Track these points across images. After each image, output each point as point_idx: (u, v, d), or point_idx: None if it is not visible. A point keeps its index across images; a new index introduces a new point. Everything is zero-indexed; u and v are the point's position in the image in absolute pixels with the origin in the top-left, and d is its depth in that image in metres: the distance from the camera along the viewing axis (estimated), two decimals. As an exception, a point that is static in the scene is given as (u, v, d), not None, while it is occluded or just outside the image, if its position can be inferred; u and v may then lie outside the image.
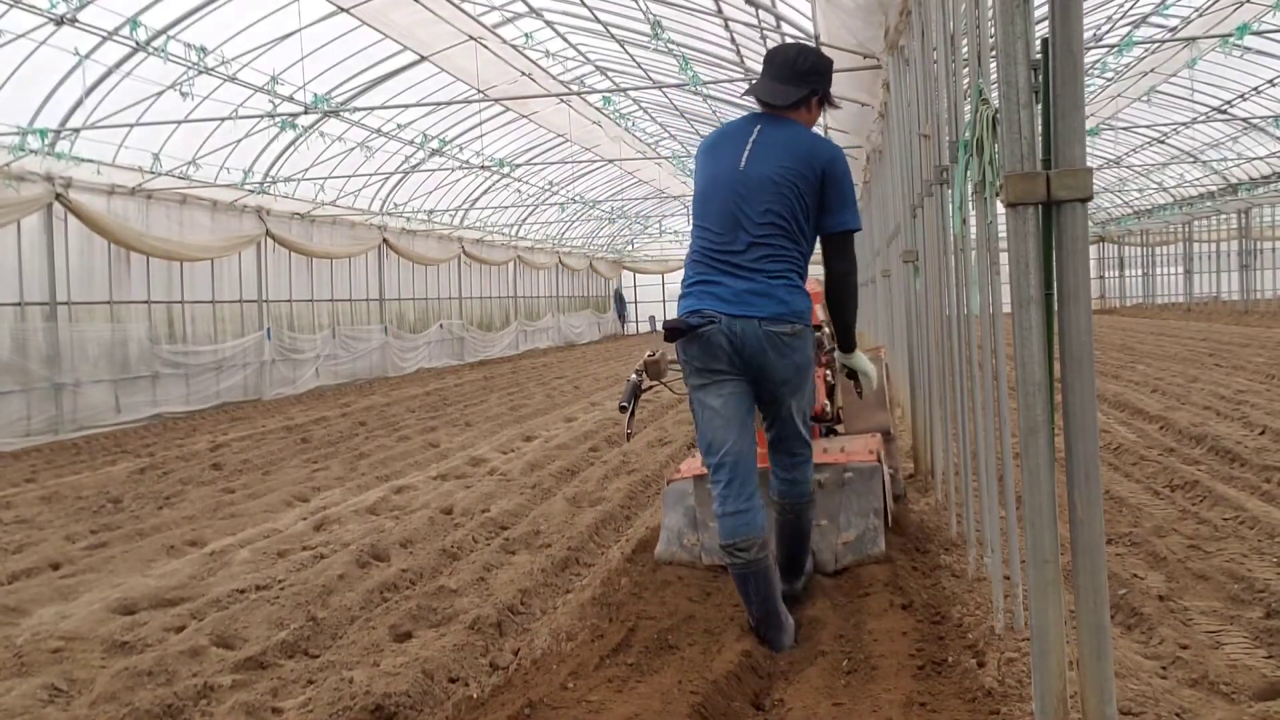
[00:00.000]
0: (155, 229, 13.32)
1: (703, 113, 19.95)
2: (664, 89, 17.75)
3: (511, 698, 3.08)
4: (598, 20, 13.81)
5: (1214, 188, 25.34)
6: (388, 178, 17.60)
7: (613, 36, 14.75)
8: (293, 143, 14.48)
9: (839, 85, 9.49)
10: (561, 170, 22.99)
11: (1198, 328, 20.45)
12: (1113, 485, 5.64)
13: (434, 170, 18.06)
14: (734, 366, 3.37)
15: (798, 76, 3.50)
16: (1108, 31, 14.64)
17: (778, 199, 3.34)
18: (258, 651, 3.85)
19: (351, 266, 18.75)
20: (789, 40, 12.13)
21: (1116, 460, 6.56)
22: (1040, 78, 2.04)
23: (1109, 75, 16.57)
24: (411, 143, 16.53)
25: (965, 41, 3.37)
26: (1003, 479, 3.09)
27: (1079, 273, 2.00)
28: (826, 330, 4.41)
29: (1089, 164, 1.98)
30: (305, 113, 12.17)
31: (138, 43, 10.43)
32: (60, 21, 9.46)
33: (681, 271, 3.72)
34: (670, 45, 12.66)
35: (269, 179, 14.67)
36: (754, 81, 3.61)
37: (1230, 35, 11.86)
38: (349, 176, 15.90)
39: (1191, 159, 23.34)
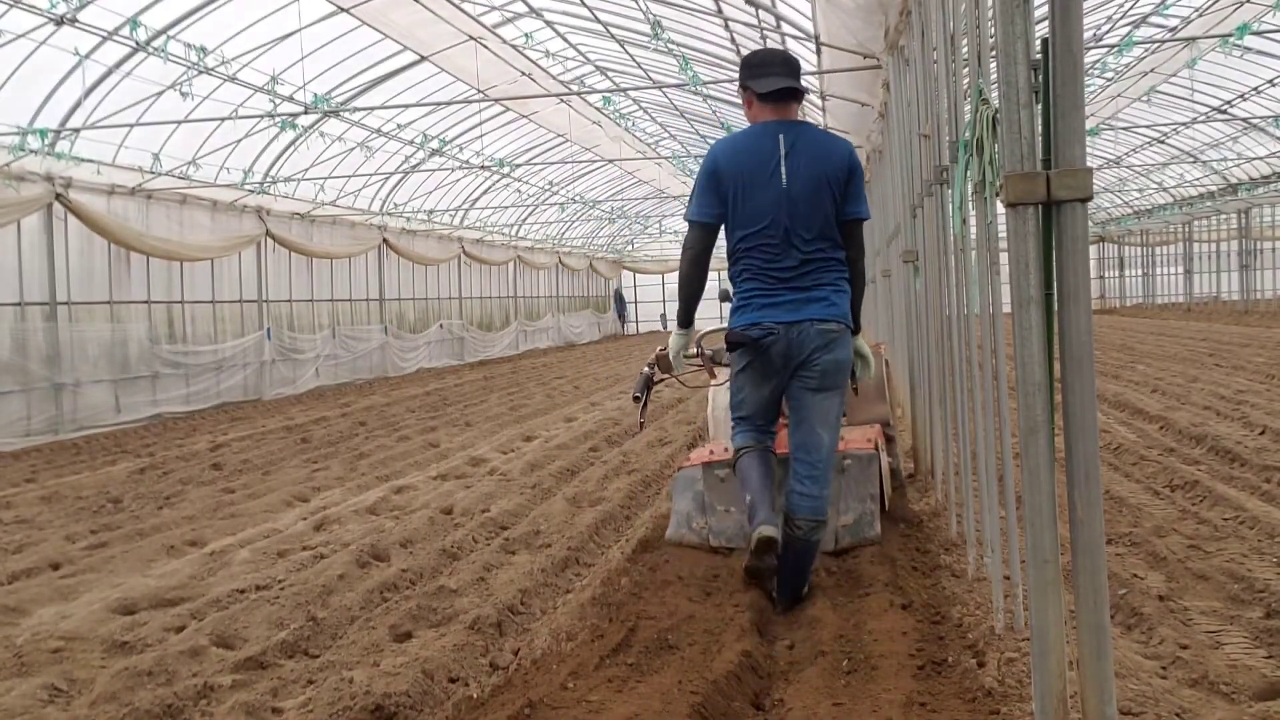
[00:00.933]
0: (155, 229, 13.32)
1: (703, 113, 19.95)
2: (664, 89, 17.75)
3: (511, 698, 3.08)
4: (598, 20, 13.81)
5: (1214, 188, 25.35)
6: (388, 178, 17.60)
7: (613, 36, 14.75)
8: (293, 143, 14.48)
9: (839, 85, 9.46)
10: (561, 170, 22.99)
11: (1198, 328, 20.46)
12: (1113, 485, 5.64)
13: (434, 170, 18.06)
14: (780, 373, 3.73)
15: (796, 73, 3.79)
16: (1108, 31, 14.64)
17: (820, 213, 3.65)
18: (258, 651, 3.85)
19: (351, 266, 18.75)
20: (789, 39, 12.14)
21: (1116, 460, 6.56)
22: (1040, 78, 2.04)
23: (1109, 75, 16.57)
24: (411, 143, 16.53)
25: (965, 41, 3.37)
26: (1003, 479, 3.09)
27: (1079, 273, 2.00)
28: None
29: (1089, 164, 1.98)
30: (305, 113, 12.17)
31: (138, 43, 10.43)
32: (60, 21, 9.46)
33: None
34: (670, 45, 12.66)
35: (269, 179, 14.67)
36: (766, 86, 3.72)
37: (1230, 35, 11.86)
38: (349, 176, 15.90)
39: (1191, 159, 23.35)
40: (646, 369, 4.30)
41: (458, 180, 20.09)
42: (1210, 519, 4.85)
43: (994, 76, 2.18)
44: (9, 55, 10.05)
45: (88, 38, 10.12)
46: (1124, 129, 21.36)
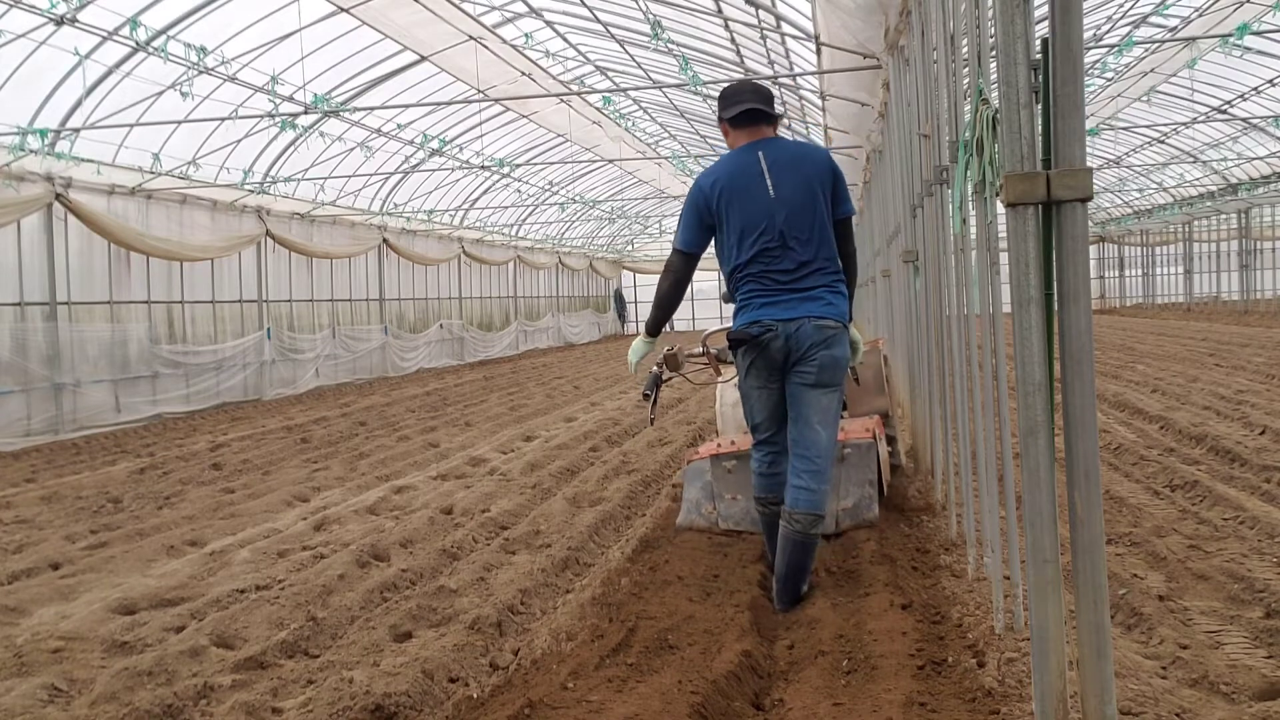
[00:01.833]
0: (155, 229, 13.31)
1: (703, 113, 19.94)
2: (664, 89, 17.76)
3: (511, 698, 3.08)
4: (598, 20, 13.81)
5: (1214, 188, 25.35)
6: (388, 178, 17.60)
7: (613, 36, 14.75)
8: (293, 143, 14.49)
9: (839, 85, 9.45)
10: (561, 170, 22.99)
11: (1198, 328, 20.45)
12: (1113, 485, 5.64)
13: (434, 170, 18.06)
14: (780, 371, 3.89)
15: (767, 99, 4.00)
16: (1108, 31, 14.64)
17: (810, 212, 3.83)
18: (258, 651, 3.85)
19: (351, 266, 18.75)
20: (789, 38, 12.14)
21: (1116, 460, 6.56)
22: (1040, 78, 2.04)
23: (1109, 75, 16.57)
24: (411, 143, 16.53)
25: (965, 41, 3.37)
26: (1003, 479, 3.09)
27: (1079, 273, 2.00)
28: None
29: (1089, 164, 1.98)
30: (305, 113, 12.17)
31: (138, 43, 10.42)
32: (60, 21, 9.46)
33: None
34: (670, 45, 12.67)
35: (269, 179, 14.67)
36: (735, 110, 3.94)
37: (1230, 35, 11.86)
38: (349, 176, 15.90)
39: (1191, 159, 23.35)
40: (655, 368, 4.52)
41: (458, 180, 20.09)
42: (1210, 519, 4.85)
43: (994, 76, 2.18)
44: (9, 55, 10.05)
45: (88, 38, 10.12)
46: (1124, 129, 21.36)
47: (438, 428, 10.86)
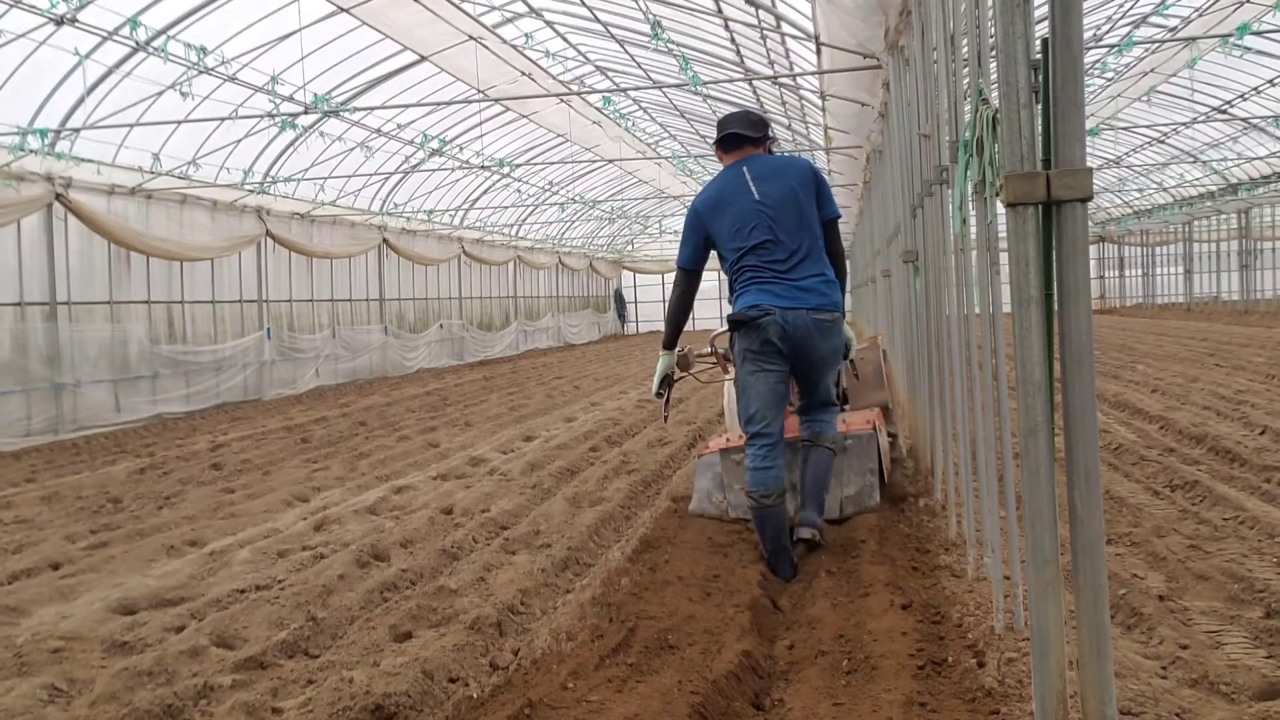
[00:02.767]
0: (155, 229, 13.31)
1: (703, 113, 19.96)
2: (664, 89, 17.76)
3: (511, 698, 3.08)
4: (598, 20, 13.81)
5: (1214, 188, 25.35)
6: (388, 178, 17.60)
7: (613, 36, 14.76)
8: (293, 143, 14.49)
9: (839, 85, 9.47)
10: (561, 170, 22.99)
11: (1198, 328, 20.45)
12: (1113, 485, 5.64)
13: (434, 170, 18.06)
14: (781, 355, 4.23)
15: (755, 125, 4.46)
16: (1108, 31, 14.65)
17: (795, 210, 4.23)
18: (258, 651, 3.85)
19: (351, 266, 18.75)
20: (789, 38, 12.14)
21: (1116, 460, 6.56)
22: (1040, 78, 2.04)
23: (1109, 75, 16.58)
24: (411, 143, 16.53)
25: (965, 41, 3.37)
26: (1003, 479, 3.09)
27: (1079, 273, 2.00)
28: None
29: (1089, 164, 1.98)
30: (305, 113, 12.17)
31: (138, 43, 10.43)
32: (60, 21, 9.46)
33: None
34: (670, 45, 12.67)
35: (269, 179, 14.68)
36: (721, 134, 4.46)
37: (1230, 35, 11.86)
38: (349, 176, 15.90)
39: (1191, 159, 23.35)
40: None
41: (458, 180, 20.10)
42: (1210, 519, 4.85)
43: (994, 76, 2.18)
44: (9, 55, 10.05)
45: (88, 38, 10.12)
46: (1124, 129, 21.37)
47: (438, 428, 10.86)
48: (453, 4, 11.44)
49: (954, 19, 3.69)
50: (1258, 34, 12.94)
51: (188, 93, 10.80)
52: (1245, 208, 25.65)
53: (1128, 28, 14.57)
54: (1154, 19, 14.26)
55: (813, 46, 8.79)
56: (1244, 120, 18.45)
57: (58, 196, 11.48)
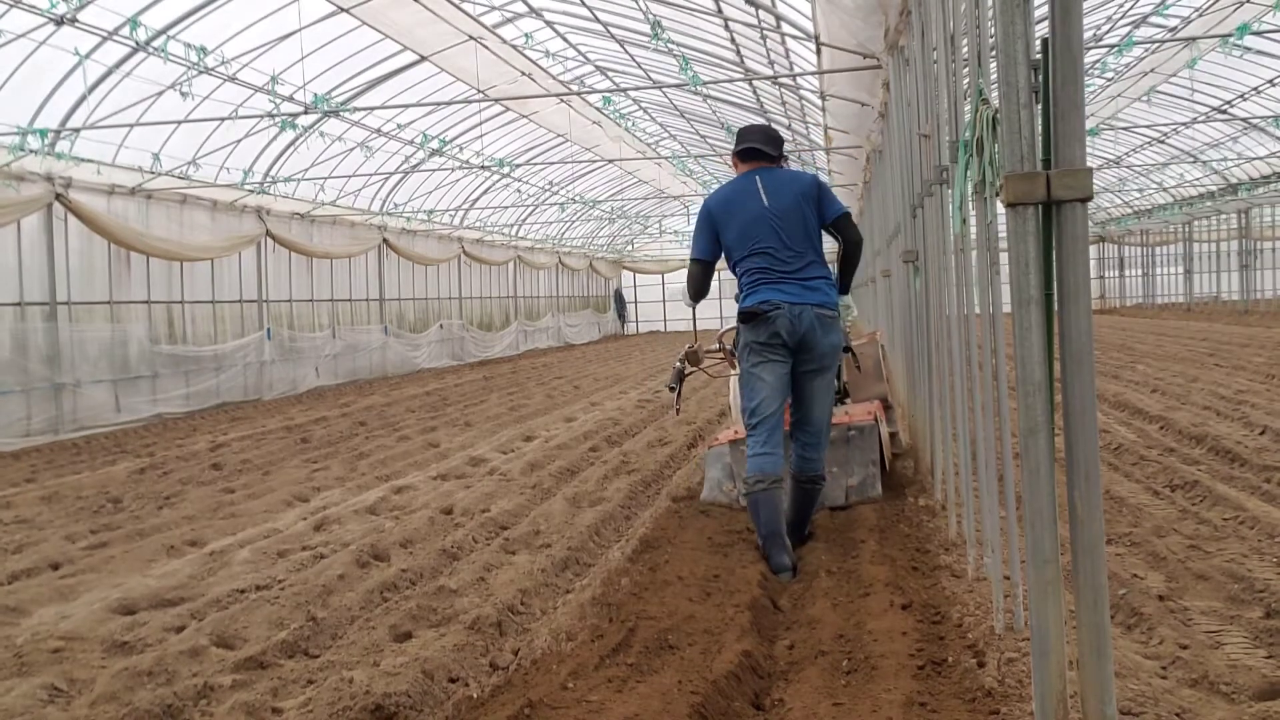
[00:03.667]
0: (155, 229, 13.31)
1: (703, 113, 19.96)
2: (664, 89, 17.75)
3: (511, 698, 3.08)
4: (598, 20, 13.81)
5: (1214, 188, 25.35)
6: (388, 178, 17.60)
7: (613, 36, 14.76)
8: (293, 143, 14.49)
9: (839, 85, 9.47)
10: (561, 170, 22.99)
11: (1198, 328, 20.45)
12: (1113, 485, 5.64)
13: (434, 170, 18.06)
14: (785, 348, 4.54)
15: (773, 142, 4.84)
16: (1108, 31, 14.65)
17: (801, 220, 4.60)
18: (258, 651, 3.85)
19: (351, 266, 18.75)
20: (789, 38, 12.14)
21: (1116, 460, 6.56)
22: (1040, 78, 2.04)
23: (1109, 75, 16.58)
24: (411, 143, 16.53)
25: (965, 41, 3.37)
26: (1003, 479, 3.09)
27: (1079, 273, 2.00)
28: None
29: (1089, 164, 1.98)
30: (305, 113, 12.17)
31: (138, 43, 10.43)
32: (60, 21, 9.46)
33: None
34: (670, 45, 12.67)
35: (269, 179, 14.67)
36: (741, 146, 4.85)
37: (1230, 35, 11.86)
38: (349, 176, 15.90)
39: (1191, 159, 23.35)
40: (679, 364, 5.25)
41: (458, 180, 20.10)
42: (1210, 519, 4.85)
43: (994, 76, 2.18)
44: (9, 55, 10.05)
45: (88, 38, 10.12)
46: (1124, 129, 21.37)
47: (438, 428, 10.86)
48: (453, 4, 11.44)
49: (954, 19, 3.69)
50: (1258, 34, 12.94)
51: (188, 93, 10.80)
52: (1245, 208, 25.64)
53: (1128, 28, 14.58)
54: (1154, 19, 14.26)
55: (813, 46, 8.79)
56: (1244, 120, 18.45)
57: (58, 196, 11.48)
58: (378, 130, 15.66)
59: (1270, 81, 16.77)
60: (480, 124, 16.81)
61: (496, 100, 14.51)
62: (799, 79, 13.94)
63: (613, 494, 6.66)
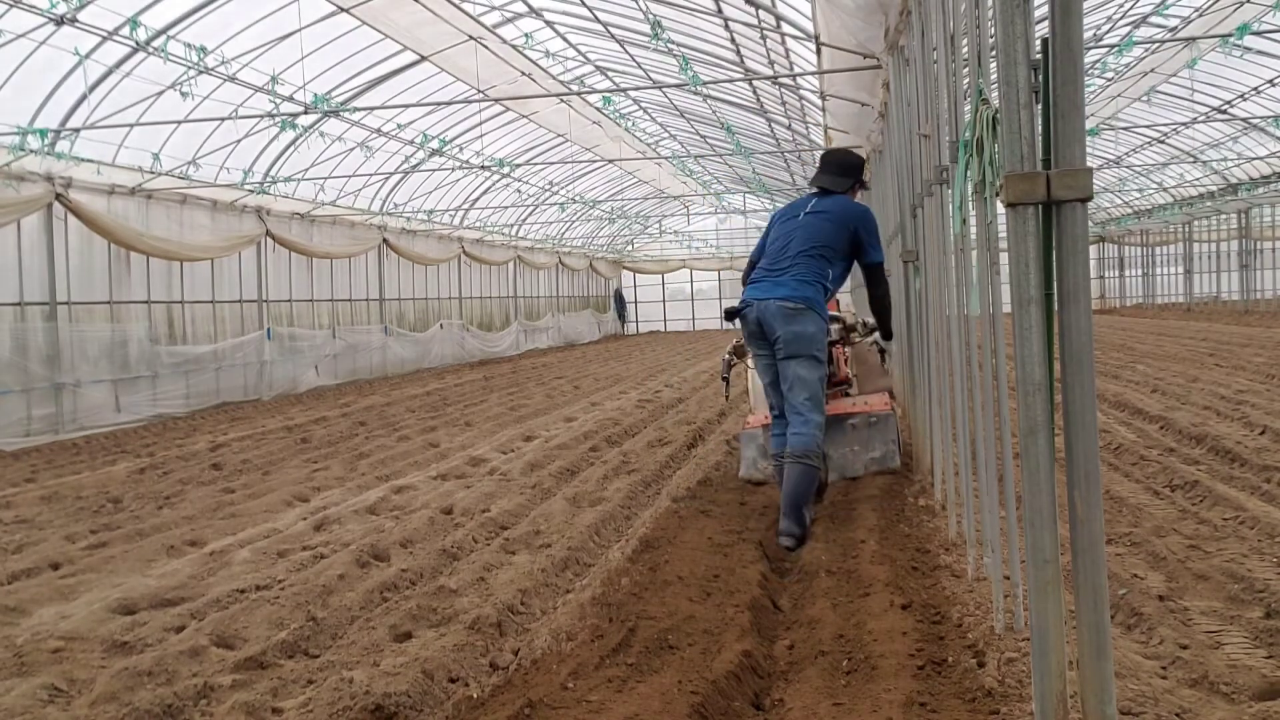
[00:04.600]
0: (155, 229, 13.31)
1: (703, 113, 19.95)
2: (664, 89, 17.76)
3: (511, 698, 3.08)
4: (598, 20, 13.81)
5: (1214, 188, 25.35)
6: (388, 178, 17.60)
7: (613, 36, 14.76)
8: (293, 143, 14.49)
9: (839, 85, 9.48)
10: (561, 170, 22.99)
11: (1198, 328, 20.45)
12: (1113, 485, 5.64)
13: (434, 170, 18.06)
14: (764, 340, 5.13)
15: (845, 170, 5.46)
16: (1108, 31, 14.65)
17: (818, 236, 5.16)
18: (258, 651, 3.85)
19: (351, 266, 18.75)
20: (789, 38, 12.13)
21: (1116, 460, 6.56)
22: (1040, 78, 2.04)
23: (1109, 75, 16.59)
24: (411, 143, 16.53)
25: (965, 41, 3.37)
26: (1003, 479, 3.09)
27: (1079, 273, 2.00)
28: (847, 323, 6.45)
29: (1089, 164, 1.98)
30: (305, 113, 12.17)
31: (138, 43, 10.43)
32: (60, 21, 9.46)
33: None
34: (670, 45, 12.67)
35: (269, 179, 14.67)
36: (816, 173, 5.55)
37: (1230, 35, 11.86)
38: (349, 176, 15.90)
39: (1191, 159, 23.35)
40: (727, 356, 6.42)
41: (458, 180, 20.09)
42: (1210, 519, 4.85)
43: (994, 76, 2.18)
44: (9, 55, 10.05)
45: (88, 38, 10.12)
46: (1124, 129, 21.36)
47: (438, 428, 10.86)
48: (453, 4, 11.44)
49: (954, 19, 3.69)
50: (1258, 34, 12.94)
51: (188, 93, 10.79)
52: (1245, 208, 25.64)
53: (1128, 28, 14.58)
54: (1154, 19, 14.26)
55: (813, 46, 8.79)
56: (1244, 120, 18.45)
57: (58, 196, 11.48)
58: (378, 130, 15.67)
59: (1270, 81, 16.77)
60: (480, 124, 16.81)
61: (496, 100, 14.51)
62: (799, 79, 13.94)
63: (613, 494, 6.66)
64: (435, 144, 16.74)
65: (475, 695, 3.31)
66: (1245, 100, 17.94)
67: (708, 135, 22.49)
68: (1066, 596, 2.27)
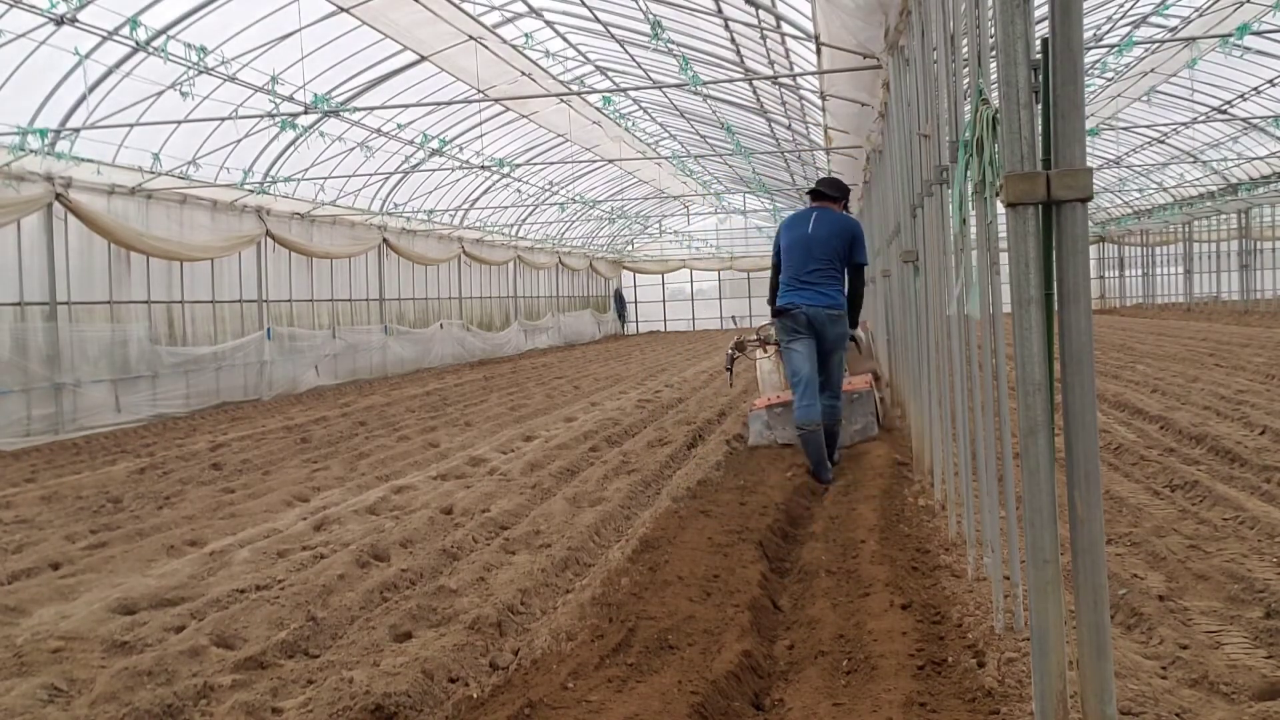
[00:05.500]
0: (155, 229, 13.31)
1: (703, 113, 19.95)
2: (664, 89, 17.76)
3: (511, 698, 3.08)
4: (598, 20, 13.81)
5: (1214, 188, 25.35)
6: (388, 178, 17.60)
7: (613, 36, 14.76)
8: (293, 143, 14.49)
9: (839, 85, 9.51)
10: (561, 170, 22.99)
11: (1198, 328, 20.45)
12: (1113, 485, 5.64)
13: (434, 170, 18.06)
14: (808, 331, 6.52)
15: (832, 185, 6.90)
16: (1108, 31, 14.65)
17: (829, 249, 6.54)
18: (258, 651, 3.85)
19: (351, 266, 18.75)
20: (789, 38, 12.14)
21: (1116, 460, 6.56)
22: (1040, 78, 2.04)
23: (1109, 75, 16.59)
24: (411, 143, 16.53)
25: (965, 41, 3.37)
26: (1003, 479, 3.09)
27: (1079, 273, 2.00)
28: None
29: (1089, 164, 1.98)
30: (305, 113, 12.17)
31: (138, 43, 10.43)
32: (60, 21, 9.46)
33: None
34: (670, 45, 12.67)
35: (269, 179, 14.68)
36: (812, 188, 6.97)
37: (1230, 35, 11.86)
38: (349, 176, 15.90)
39: (1191, 159, 23.35)
40: (730, 350, 8.52)
41: (458, 180, 20.09)
42: (1210, 519, 4.85)
43: (994, 76, 2.18)
44: (9, 55, 10.05)
45: (88, 38, 10.12)
46: (1124, 129, 21.37)
47: (438, 428, 10.86)
48: (453, 4, 11.44)
49: (954, 19, 3.69)
50: (1258, 34, 12.94)
51: (188, 93, 10.79)
52: (1245, 208, 25.64)
53: (1128, 28, 14.58)
54: (1154, 19, 14.26)
55: (813, 46, 8.79)
56: (1244, 120, 18.45)
57: (58, 196, 11.48)
58: (378, 130, 15.66)
59: (1270, 81, 16.77)
60: (480, 124, 16.81)
61: (496, 100, 14.51)
62: (799, 79, 13.93)
63: (613, 494, 6.66)
64: (435, 144, 16.74)
65: (475, 695, 3.31)
66: (1245, 100, 17.94)
67: (708, 135, 22.49)
68: (1066, 596, 2.27)
